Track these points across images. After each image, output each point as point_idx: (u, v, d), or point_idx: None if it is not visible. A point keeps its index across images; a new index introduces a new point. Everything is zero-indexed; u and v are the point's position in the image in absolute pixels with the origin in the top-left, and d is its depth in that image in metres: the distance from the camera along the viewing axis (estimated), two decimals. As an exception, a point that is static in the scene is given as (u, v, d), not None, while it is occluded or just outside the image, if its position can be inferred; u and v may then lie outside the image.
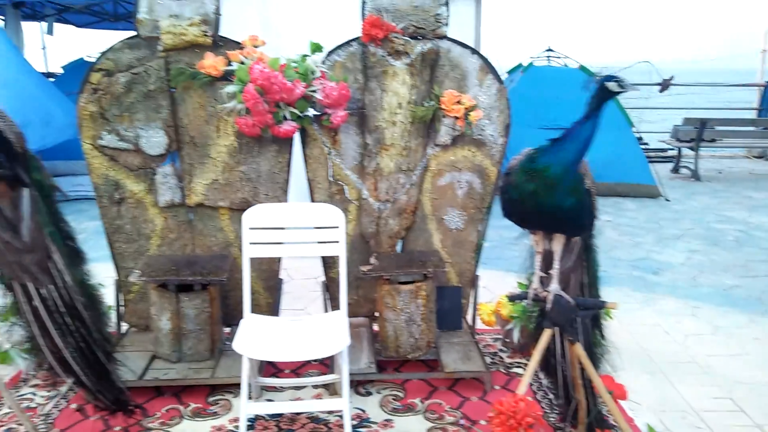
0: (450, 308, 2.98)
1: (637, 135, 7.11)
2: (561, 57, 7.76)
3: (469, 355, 2.78)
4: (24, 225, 1.85)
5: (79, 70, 8.17)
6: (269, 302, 3.06)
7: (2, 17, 7.27)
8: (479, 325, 3.11)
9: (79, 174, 6.89)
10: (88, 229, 5.28)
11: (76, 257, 2.05)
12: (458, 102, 2.80)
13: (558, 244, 2.02)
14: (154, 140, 2.79)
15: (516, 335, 2.88)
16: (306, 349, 2.18)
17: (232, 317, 2.97)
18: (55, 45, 8.56)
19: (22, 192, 1.85)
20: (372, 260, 2.85)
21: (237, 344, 2.14)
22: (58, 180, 7.10)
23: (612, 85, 1.77)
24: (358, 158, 2.92)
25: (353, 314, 3.03)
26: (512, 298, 2.07)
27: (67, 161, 7.04)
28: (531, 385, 2.73)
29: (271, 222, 2.44)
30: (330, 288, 3.07)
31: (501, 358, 2.97)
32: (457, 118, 2.82)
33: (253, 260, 3.00)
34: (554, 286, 1.99)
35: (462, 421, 2.44)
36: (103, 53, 2.72)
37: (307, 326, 2.36)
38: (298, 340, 2.22)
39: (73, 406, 2.55)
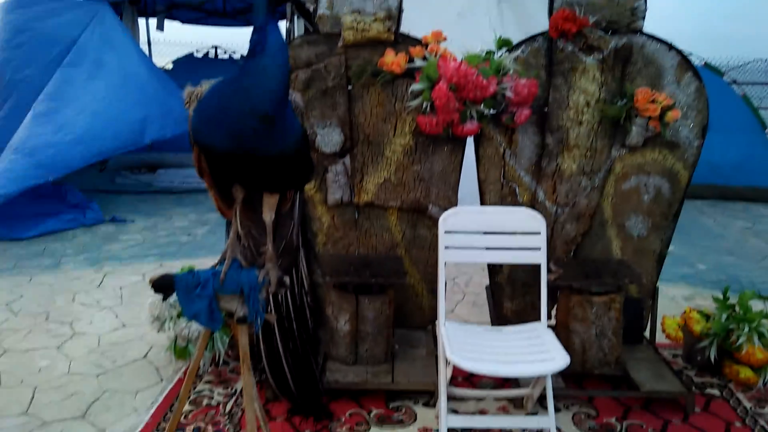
0: (630, 321, 2.78)
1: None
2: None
3: (662, 373, 2.59)
4: (294, 230, 1.80)
5: (187, 66, 8.41)
6: (432, 305, 2.96)
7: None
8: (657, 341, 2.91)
9: (186, 166, 7.07)
10: (210, 221, 5.38)
11: (312, 261, 1.99)
12: (653, 101, 2.61)
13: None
14: (330, 138, 2.73)
15: (713, 353, 2.66)
16: (530, 364, 2.06)
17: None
18: (161, 41, 8.80)
19: (297, 196, 1.81)
20: (552, 267, 2.70)
21: (450, 353, 2.03)
22: (168, 172, 7.34)
23: None
24: (534, 159, 2.78)
25: (520, 321, 2.89)
26: None
27: (177, 153, 7.23)
28: (735, 409, 2.52)
29: (467, 226, 2.33)
30: (495, 294, 2.95)
31: (689, 376, 2.76)
32: (651, 118, 2.62)
33: (418, 262, 2.95)
34: None
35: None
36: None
37: (512, 337, 2.24)
38: (513, 353, 2.11)
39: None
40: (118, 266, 4.24)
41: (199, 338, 2.71)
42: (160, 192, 6.53)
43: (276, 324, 1.88)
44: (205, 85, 1.55)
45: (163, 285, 1.59)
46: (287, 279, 1.64)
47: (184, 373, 2.76)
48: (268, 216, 1.65)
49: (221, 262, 1.65)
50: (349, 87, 2.70)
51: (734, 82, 6.60)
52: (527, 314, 2.94)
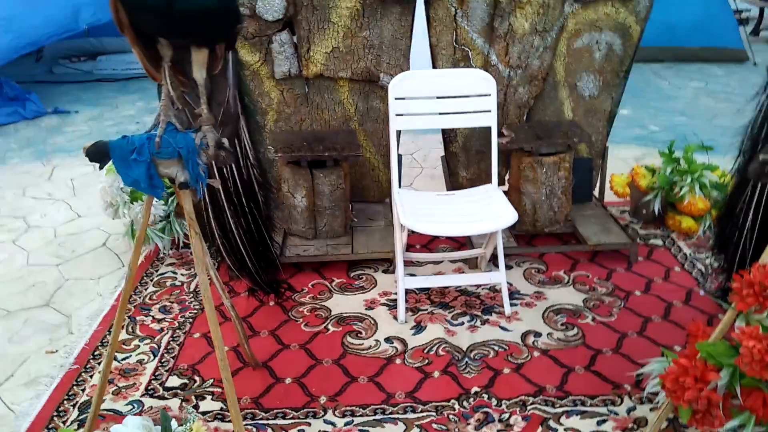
0: (580, 180, 2.86)
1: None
2: None
3: (608, 227, 2.71)
4: (230, 93, 1.71)
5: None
6: (388, 178, 2.97)
7: None
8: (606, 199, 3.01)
9: (129, 51, 6.66)
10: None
11: (256, 133, 1.93)
12: (607, -50, 2.49)
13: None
14: (271, 4, 2.56)
15: (657, 206, 2.77)
16: (480, 223, 2.11)
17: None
18: None
19: (229, 56, 1.70)
20: (505, 131, 2.70)
21: (404, 218, 2.07)
22: (110, 58, 6.92)
23: None
24: (487, 19, 2.67)
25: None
26: None
27: (119, 38, 6.75)
28: (676, 256, 2.68)
29: (418, 91, 2.28)
30: (450, 163, 2.97)
31: (634, 229, 2.89)
32: (604, -32, 2.52)
33: (372, 136, 2.92)
34: None
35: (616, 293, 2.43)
36: None
37: (464, 200, 2.29)
38: (464, 214, 2.15)
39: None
40: (66, 158, 4.09)
41: (150, 222, 2.71)
42: (102, 80, 6.17)
43: (225, 200, 1.86)
44: None
45: (97, 153, 1.53)
46: (226, 141, 1.59)
47: (146, 257, 2.78)
48: (199, 74, 1.57)
49: (155, 126, 1.58)
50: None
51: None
52: (482, 182, 2.94)
